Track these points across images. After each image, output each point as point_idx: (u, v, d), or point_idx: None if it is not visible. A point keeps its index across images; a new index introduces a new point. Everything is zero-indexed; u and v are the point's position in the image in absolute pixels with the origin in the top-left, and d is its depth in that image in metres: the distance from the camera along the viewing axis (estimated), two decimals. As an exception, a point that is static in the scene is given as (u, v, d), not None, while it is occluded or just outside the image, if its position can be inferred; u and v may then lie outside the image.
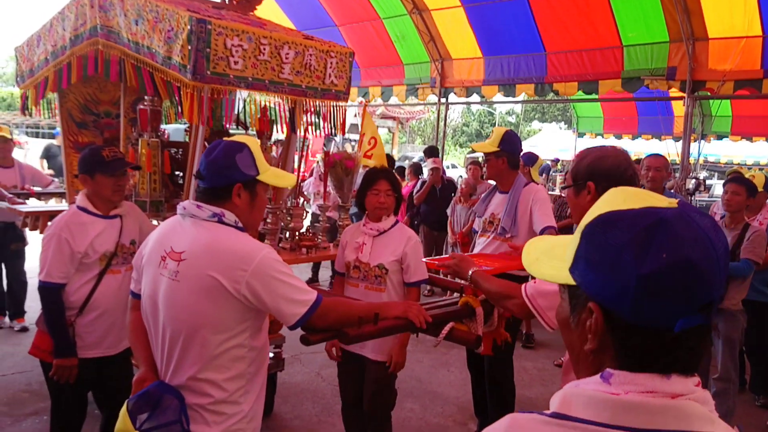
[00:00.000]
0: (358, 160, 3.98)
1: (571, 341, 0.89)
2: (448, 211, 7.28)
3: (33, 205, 4.95)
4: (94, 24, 3.55)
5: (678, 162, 8.01)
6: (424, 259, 3.03)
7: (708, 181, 14.53)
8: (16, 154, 6.20)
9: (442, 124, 10.07)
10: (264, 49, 3.14)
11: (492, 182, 4.10)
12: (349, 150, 4.19)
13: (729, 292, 4.02)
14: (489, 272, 2.28)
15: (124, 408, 1.77)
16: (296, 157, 4.14)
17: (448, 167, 20.42)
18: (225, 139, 1.94)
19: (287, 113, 3.74)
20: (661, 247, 0.74)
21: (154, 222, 3.40)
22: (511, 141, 3.76)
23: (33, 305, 5.32)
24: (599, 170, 1.87)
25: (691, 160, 9.49)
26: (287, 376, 4.69)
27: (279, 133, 4.04)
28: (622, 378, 0.77)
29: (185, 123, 3.66)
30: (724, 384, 4.06)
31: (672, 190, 6.85)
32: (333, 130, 3.73)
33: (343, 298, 2.40)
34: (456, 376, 5.01)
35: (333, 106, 3.68)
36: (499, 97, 9.10)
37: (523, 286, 1.86)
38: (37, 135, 23.96)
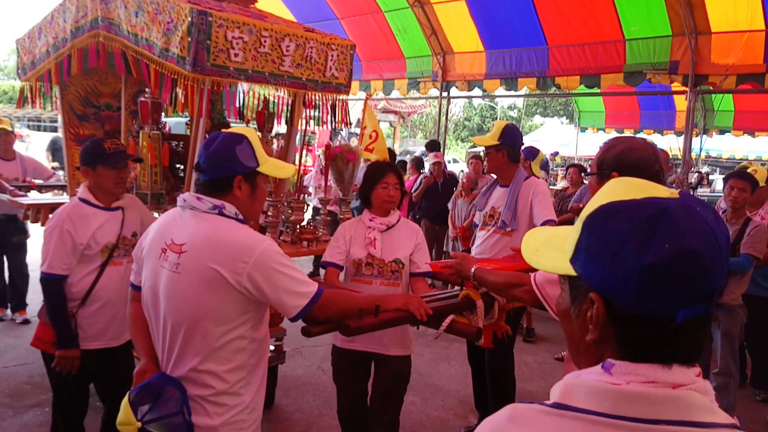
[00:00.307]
0: (359, 154, 3.97)
1: (571, 332, 0.89)
2: (449, 205, 7.28)
3: (34, 197, 4.96)
4: (95, 16, 3.54)
5: (680, 157, 7.99)
6: (426, 262, 3.02)
7: (710, 176, 14.49)
8: (18, 147, 6.20)
9: (443, 118, 10.05)
10: (265, 41, 3.13)
11: (493, 176, 4.10)
12: (354, 144, 4.18)
13: (729, 286, 4.01)
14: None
15: (125, 400, 1.78)
16: (297, 151, 4.13)
17: (449, 161, 20.39)
18: (223, 131, 1.92)
19: (287, 106, 3.73)
20: (664, 238, 0.74)
21: (155, 214, 3.40)
22: (511, 135, 3.75)
23: (35, 297, 5.32)
24: (626, 162, 1.86)
25: (693, 155, 9.48)
26: (288, 368, 4.70)
27: (279, 126, 4.03)
28: (623, 368, 0.77)
29: (186, 116, 3.65)
30: (724, 379, 4.05)
31: (674, 185, 6.84)
32: (335, 124, 3.72)
33: (344, 290, 2.39)
34: (457, 369, 5.02)
35: (334, 99, 3.67)
36: (500, 91, 9.07)
37: (532, 274, 1.87)
38: (38, 128, 23.95)
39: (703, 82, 7.09)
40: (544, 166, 14.13)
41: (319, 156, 8.35)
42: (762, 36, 6.51)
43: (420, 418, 4.15)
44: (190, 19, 2.89)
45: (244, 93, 3.97)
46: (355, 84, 9.91)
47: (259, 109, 3.93)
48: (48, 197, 5.16)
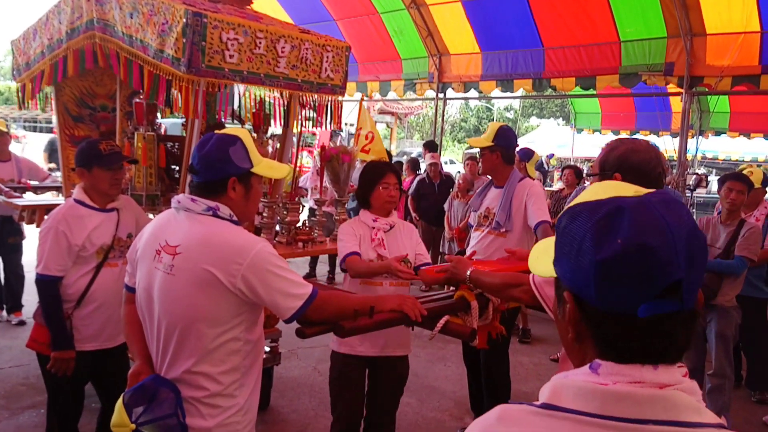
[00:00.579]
0: (354, 155, 3.98)
1: (561, 332, 0.92)
2: (446, 206, 7.29)
3: (30, 198, 4.95)
4: (91, 17, 3.54)
5: (675, 158, 8.01)
6: (423, 267, 3.02)
7: (708, 178, 14.54)
8: (15, 148, 6.18)
9: (439, 119, 10.07)
10: (260, 42, 3.13)
11: (489, 178, 4.11)
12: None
13: (723, 288, 4.02)
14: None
15: (120, 401, 1.78)
16: (293, 152, 4.13)
17: (446, 163, 20.42)
18: (216, 132, 1.92)
19: (282, 108, 3.73)
20: (617, 233, 0.77)
21: (150, 216, 3.40)
22: (505, 136, 3.76)
23: (30, 299, 5.30)
24: (628, 163, 1.86)
25: (689, 156, 9.51)
26: (284, 370, 4.70)
27: (276, 128, 4.03)
28: (609, 368, 0.78)
29: (182, 117, 3.64)
30: (719, 380, 4.06)
31: (669, 186, 6.86)
32: (330, 125, 3.72)
33: (338, 291, 2.40)
34: (453, 370, 5.03)
35: (329, 101, 3.67)
36: (496, 92, 9.09)
37: (531, 275, 1.87)
38: (35, 129, 23.87)
39: (699, 84, 7.11)
40: (540, 167, 14.16)
41: (315, 157, 8.34)
42: (757, 37, 6.54)
43: (416, 419, 4.16)
44: (184, 20, 2.89)
45: (239, 94, 3.98)
46: (351, 85, 9.92)
47: (255, 110, 3.93)
48: (43, 198, 5.16)
